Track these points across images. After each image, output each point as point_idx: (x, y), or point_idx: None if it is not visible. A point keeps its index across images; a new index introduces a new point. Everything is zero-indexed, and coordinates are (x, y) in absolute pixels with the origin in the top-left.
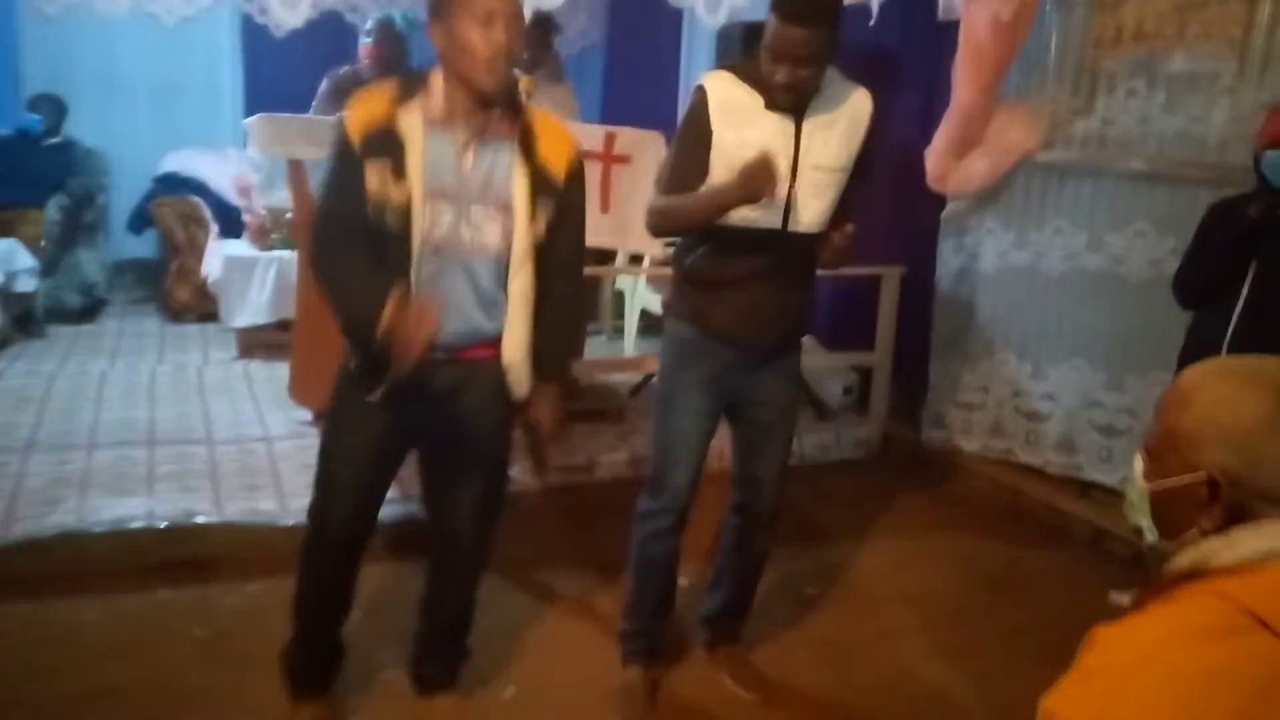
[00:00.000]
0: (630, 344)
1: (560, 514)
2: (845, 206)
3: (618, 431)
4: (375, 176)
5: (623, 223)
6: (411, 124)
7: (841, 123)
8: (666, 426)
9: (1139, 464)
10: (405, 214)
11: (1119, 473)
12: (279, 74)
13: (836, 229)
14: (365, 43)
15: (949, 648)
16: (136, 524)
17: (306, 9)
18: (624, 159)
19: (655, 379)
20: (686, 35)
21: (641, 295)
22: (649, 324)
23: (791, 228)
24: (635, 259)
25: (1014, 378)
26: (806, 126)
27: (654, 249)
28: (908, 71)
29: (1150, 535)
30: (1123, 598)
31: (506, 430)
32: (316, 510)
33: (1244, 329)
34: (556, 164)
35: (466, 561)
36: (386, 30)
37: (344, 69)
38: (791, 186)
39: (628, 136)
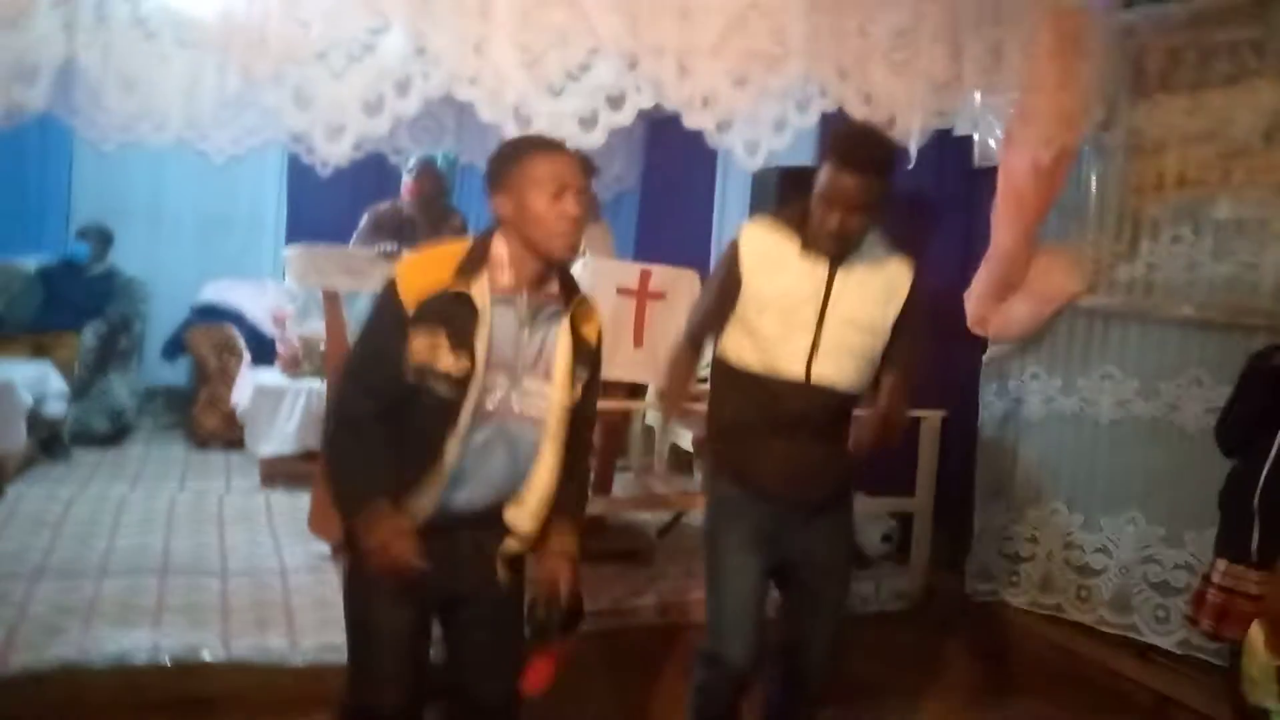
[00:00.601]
0: (660, 481)
1: (588, 662)
2: (889, 367)
3: (647, 575)
4: (424, 345)
5: (656, 357)
6: (482, 297)
7: (877, 283)
8: (718, 591)
9: (1257, 634)
10: (461, 385)
11: (1176, 634)
12: (322, 209)
13: (870, 414)
14: (407, 180)
15: None
16: (139, 659)
17: (349, 148)
18: (659, 295)
19: (702, 542)
20: (721, 179)
21: (671, 431)
22: (679, 460)
23: (814, 380)
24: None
25: (1064, 528)
26: (840, 275)
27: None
28: (945, 215)
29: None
30: None
31: (520, 586)
32: (362, 705)
33: (1274, 480)
34: (592, 332)
35: (490, 710)
36: (428, 168)
37: (385, 204)
38: (816, 336)
39: (663, 274)
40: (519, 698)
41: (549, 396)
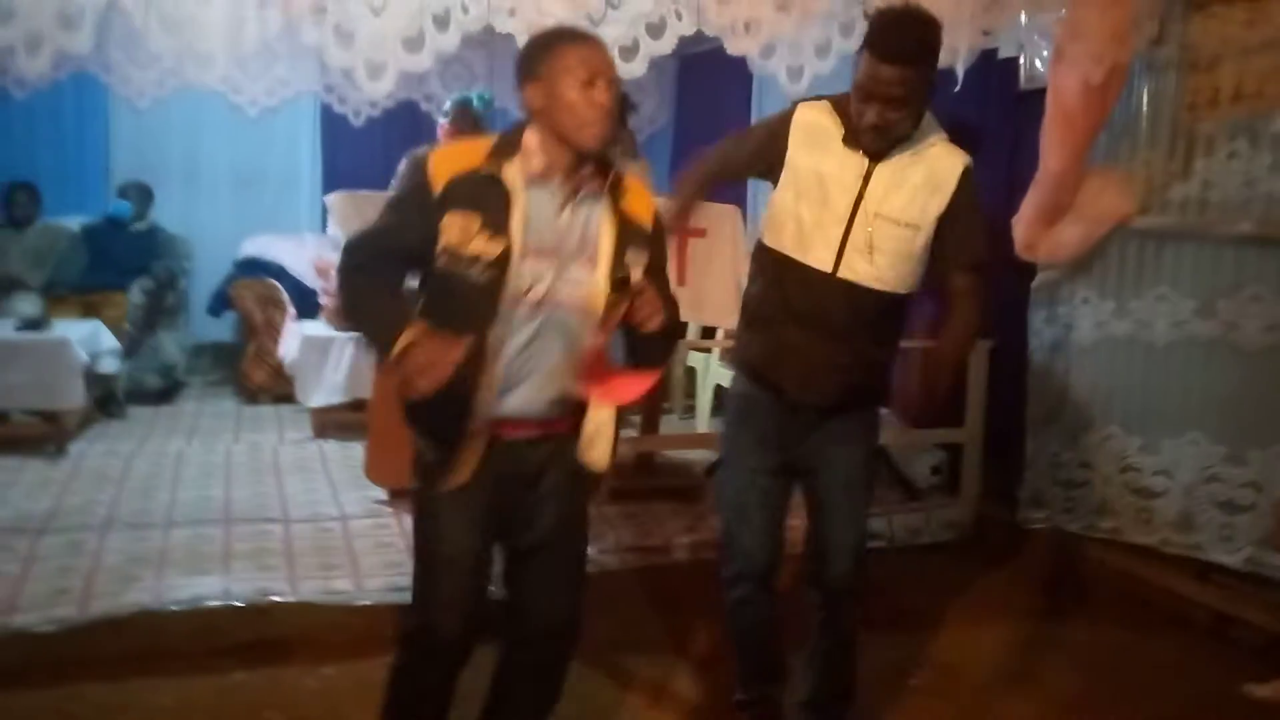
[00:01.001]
0: (703, 422)
1: (637, 596)
2: (949, 268)
3: (695, 512)
4: (456, 228)
5: (699, 296)
6: (515, 180)
7: (919, 176)
8: (730, 488)
9: None
10: (498, 269)
11: (1242, 552)
12: (356, 161)
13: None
14: (442, 123)
15: None
16: (213, 603)
17: (391, 85)
18: (700, 232)
19: (719, 441)
20: (756, 112)
21: (715, 371)
22: (722, 402)
23: (842, 274)
24: (708, 333)
25: (1121, 453)
26: (879, 168)
27: (729, 321)
28: (990, 141)
29: None
30: (1259, 690)
31: (585, 507)
32: (422, 626)
33: None
34: (643, 215)
35: (557, 653)
36: (464, 111)
37: (423, 149)
38: (848, 228)
39: (705, 210)
40: (579, 621)
41: (596, 283)
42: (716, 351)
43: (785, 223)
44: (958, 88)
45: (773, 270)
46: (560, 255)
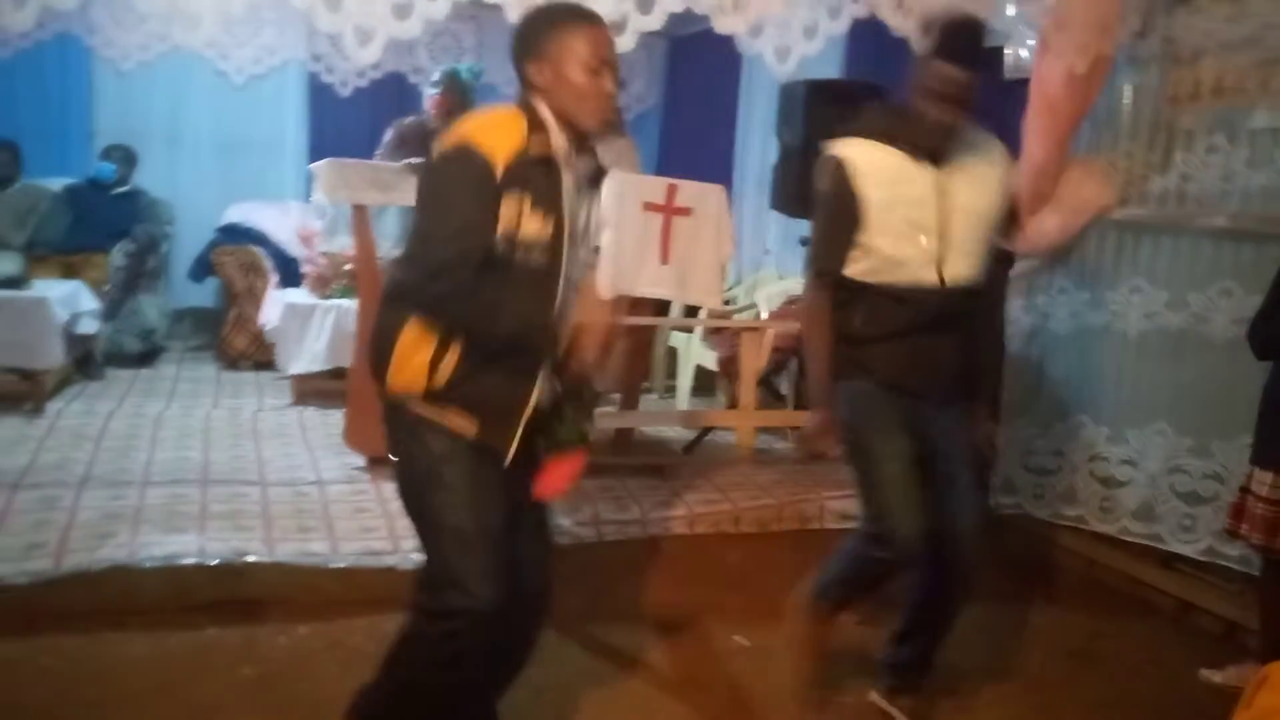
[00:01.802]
0: (683, 401)
1: (613, 568)
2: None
3: (673, 489)
4: (511, 209)
5: (683, 274)
6: (560, 149)
7: (985, 171)
8: (876, 475)
9: None
10: (551, 250)
11: (1202, 543)
12: (343, 131)
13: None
14: (431, 94)
15: None
16: (188, 560)
17: (379, 51)
18: (685, 211)
19: (843, 439)
20: (745, 96)
21: (696, 351)
22: (702, 382)
23: (949, 281)
24: (691, 312)
25: (1090, 442)
26: (947, 172)
27: (713, 301)
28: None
29: None
30: (1215, 675)
31: None
32: (463, 597)
33: None
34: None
35: (539, 599)
36: (453, 82)
37: (410, 119)
38: (941, 246)
39: (689, 189)
40: (551, 589)
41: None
42: (698, 331)
43: (881, 261)
44: None
45: (873, 298)
46: (576, 235)
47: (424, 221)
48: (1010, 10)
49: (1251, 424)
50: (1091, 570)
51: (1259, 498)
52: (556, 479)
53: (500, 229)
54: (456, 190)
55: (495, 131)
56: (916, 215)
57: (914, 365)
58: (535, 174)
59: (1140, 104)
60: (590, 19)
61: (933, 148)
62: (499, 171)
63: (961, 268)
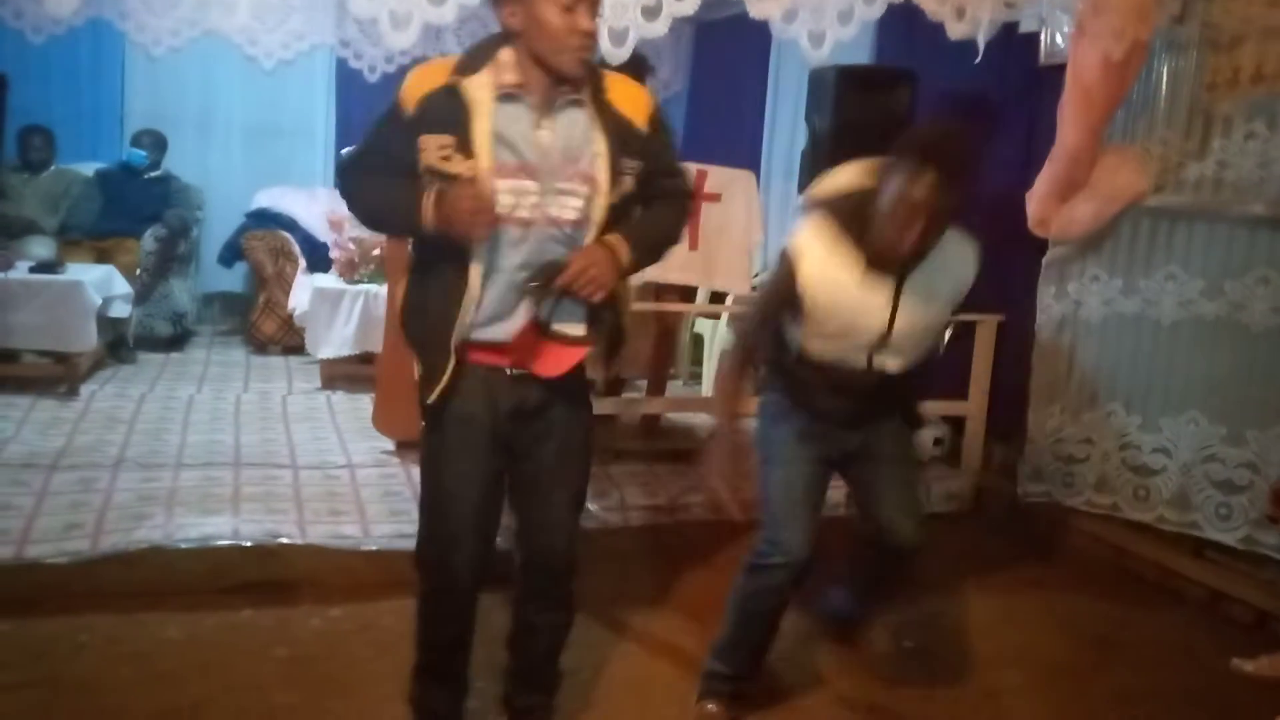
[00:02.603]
0: (709, 387)
1: (641, 553)
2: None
3: (698, 474)
4: (435, 150)
5: (710, 260)
6: (479, 93)
7: (945, 284)
8: (775, 481)
9: None
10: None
11: (1239, 531)
12: (370, 116)
13: None
14: None
15: (1058, 710)
16: (222, 542)
17: (415, 36)
18: (714, 197)
19: (755, 439)
20: (773, 82)
21: (722, 337)
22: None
23: (876, 367)
24: (718, 298)
25: (1122, 430)
26: (907, 289)
27: (740, 287)
28: (1007, 114)
29: None
30: (1247, 665)
31: (591, 438)
32: (435, 560)
33: None
34: (635, 113)
35: (562, 573)
36: None
37: None
38: (883, 338)
39: (718, 175)
40: (574, 550)
41: (586, 195)
42: (725, 317)
43: (815, 337)
44: (978, 60)
45: (801, 359)
46: (542, 172)
47: None
48: None
49: None
50: (1120, 558)
51: None
52: (522, 349)
53: (422, 165)
54: (374, 125)
55: (422, 71)
56: (860, 324)
57: (837, 415)
58: (450, 107)
59: (1177, 90)
60: None
61: (893, 268)
62: (410, 109)
63: (892, 361)
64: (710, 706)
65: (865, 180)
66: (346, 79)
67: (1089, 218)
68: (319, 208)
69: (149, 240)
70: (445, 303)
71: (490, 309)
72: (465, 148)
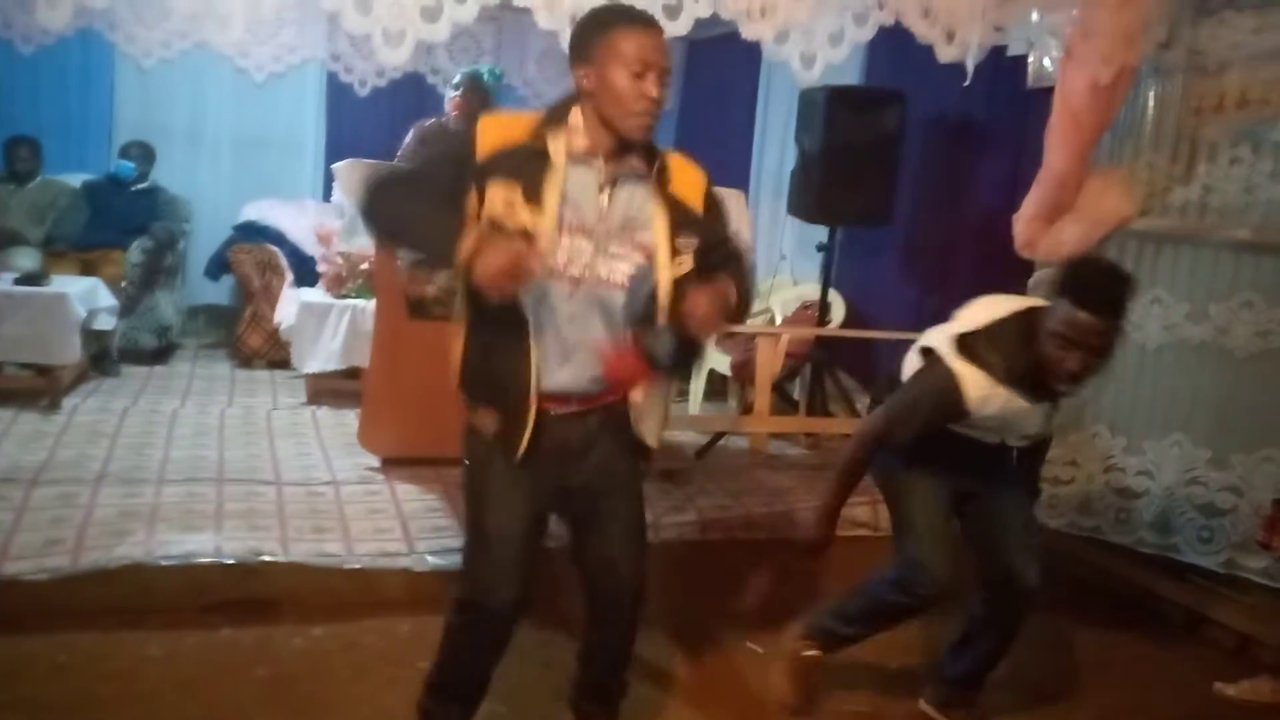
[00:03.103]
0: (696, 406)
1: None
2: None
3: (686, 493)
4: (501, 198)
5: None
6: (558, 151)
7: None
8: (909, 501)
9: None
10: (535, 242)
11: (1220, 555)
12: (361, 131)
13: None
14: (452, 96)
15: None
16: (204, 559)
17: (408, 54)
18: None
19: (881, 484)
20: (762, 102)
21: (710, 356)
22: (715, 387)
23: (1007, 443)
24: None
25: (1105, 452)
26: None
27: None
28: (995, 137)
29: None
30: (1229, 689)
31: (639, 473)
32: (475, 595)
33: None
34: (692, 196)
35: (628, 604)
36: (474, 84)
37: (430, 120)
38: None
39: None
40: (644, 559)
41: (638, 264)
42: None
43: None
44: (967, 83)
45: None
46: (598, 234)
47: None
48: (1035, 18)
49: (1274, 438)
50: (1104, 581)
51: None
52: (618, 367)
53: (485, 213)
54: (432, 153)
55: (499, 122)
56: (1014, 427)
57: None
58: (529, 164)
59: (1163, 115)
60: (640, 20)
61: (1056, 393)
62: (482, 154)
63: (1017, 442)
64: (812, 652)
65: (1012, 317)
66: (337, 93)
67: (1076, 240)
68: (307, 221)
69: (135, 252)
70: (511, 362)
71: (549, 363)
72: (534, 201)
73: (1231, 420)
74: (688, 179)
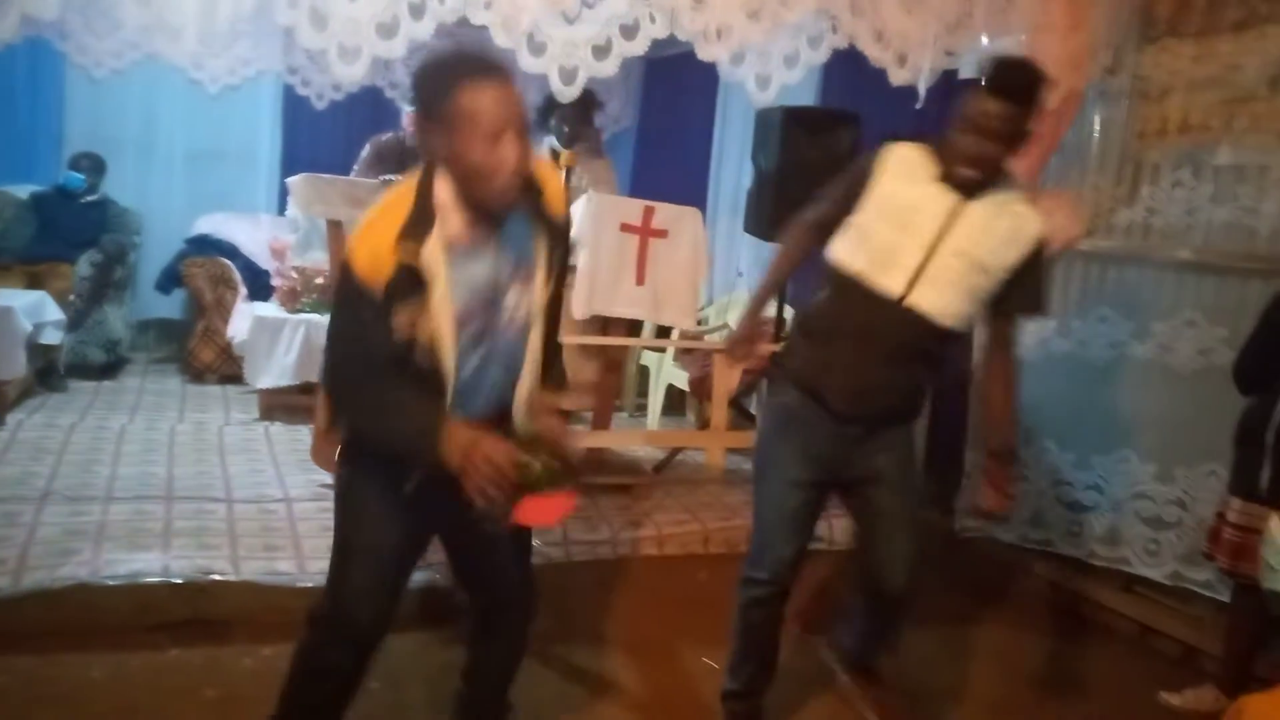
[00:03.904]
0: (654, 421)
1: (582, 589)
2: (999, 319)
3: (643, 509)
4: (405, 321)
5: (657, 295)
6: (432, 259)
7: (1003, 224)
8: (768, 497)
9: (1276, 527)
10: (436, 352)
11: (1166, 567)
12: (317, 144)
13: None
14: (409, 110)
15: None
16: (152, 579)
17: (364, 70)
18: (661, 233)
19: (755, 446)
20: (720, 120)
21: (668, 371)
22: (672, 402)
23: (909, 302)
24: (663, 332)
25: (1055, 467)
26: (968, 210)
27: (686, 322)
28: None
29: None
30: (1173, 698)
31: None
32: (333, 611)
33: None
34: (556, 204)
35: (514, 609)
36: None
37: (387, 135)
38: (925, 259)
39: (666, 212)
40: (531, 571)
41: (531, 294)
42: (671, 351)
43: (861, 243)
44: (919, 105)
45: (838, 286)
46: (496, 292)
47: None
48: (984, 42)
49: (1216, 452)
50: (1053, 593)
51: (1231, 524)
52: (531, 511)
53: (398, 337)
54: (338, 302)
55: (367, 244)
56: (916, 224)
57: (850, 382)
58: (417, 283)
59: (1109, 138)
60: (487, 72)
61: (959, 179)
62: (374, 290)
63: (928, 296)
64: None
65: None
66: (293, 105)
67: None
68: (261, 234)
69: (84, 265)
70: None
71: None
72: (427, 311)
73: (1176, 435)
74: (554, 190)
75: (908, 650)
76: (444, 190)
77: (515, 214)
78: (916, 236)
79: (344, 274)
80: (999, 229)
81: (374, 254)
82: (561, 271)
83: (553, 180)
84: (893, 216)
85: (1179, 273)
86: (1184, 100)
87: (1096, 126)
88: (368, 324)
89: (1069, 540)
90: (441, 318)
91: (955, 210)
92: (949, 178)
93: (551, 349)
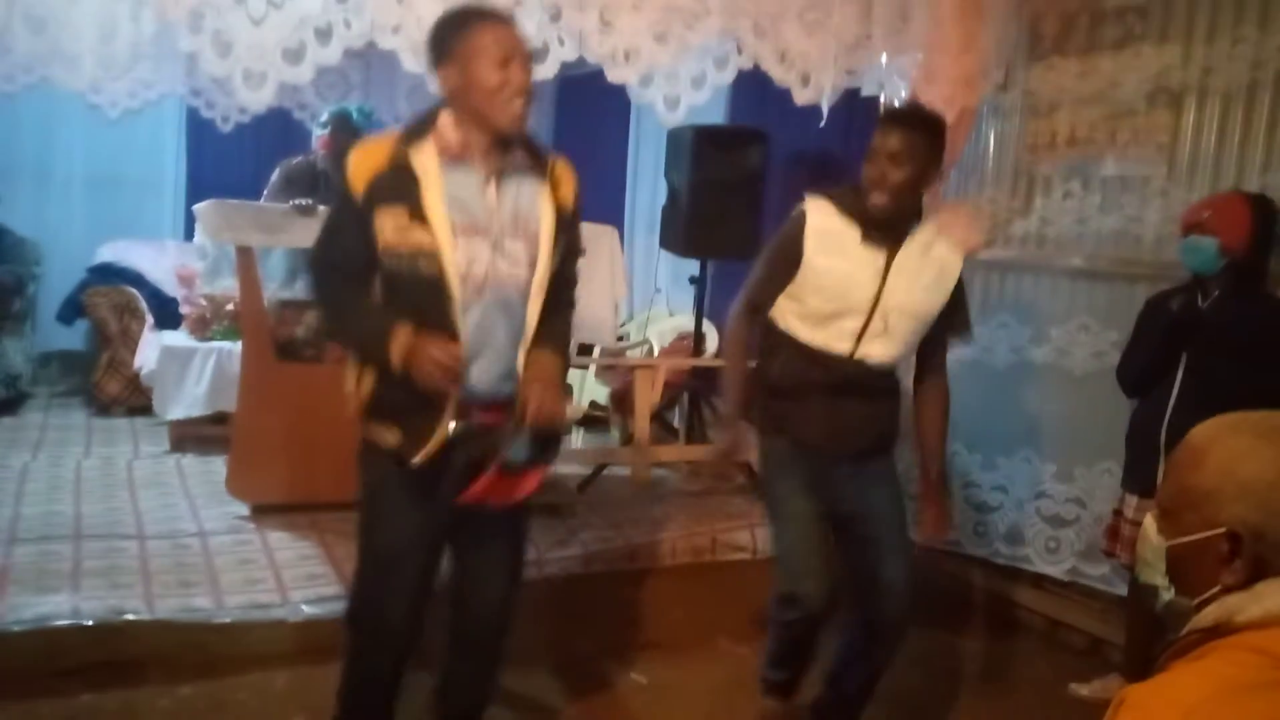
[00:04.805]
0: (577, 438)
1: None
2: (928, 362)
3: (569, 527)
4: (390, 225)
5: (576, 314)
6: (425, 162)
7: (930, 271)
8: (783, 526)
9: (1151, 523)
10: (436, 257)
11: (1065, 563)
12: (224, 168)
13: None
14: (320, 134)
15: None
16: (60, 622)
17: (270, 96)
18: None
19: (762, 488)
20: (634, 139)
21: (590, 388)
22: (595, 418)
23: (859, 357)
24: (585, 350)
25: (964, 469)
26: (895, 264)
27: (606, 340)
28: (852, 173)
29: (1167, 593)
30: (1082, 689)
31: (525, 506)
32: (368, 616)
33: (1179, 415)
34: (569, 198)
35: (492, 635)
36: (342, 123)
37: (297, 158)
38: (867, 320)
39: (582, 230)
40: (514, 602)
41: (532, 257)
42: (592, 369)
43: (805, 317)
44: (823, 123)
45: (791, 350)
46: (492, 232)
47: None
48: (884, 61)
49: (1111, 451)
50: (967, 592)
51: (1128, 520)
52: (481, 486)
53: (380, 245)
54: (329, 214)
55: (364, 152)
56: (852, 293)
57: (826, 426)
58: (401, 183)
59: (1003, 152)
60: (494, 15)
61: (874, 211)
62: (360, 191)
63: (875, 350)
64: (771, 703)
65: None
66: (198, 128)
67: None
68: (168, 261)
69: None
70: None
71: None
72: (420, 219)
73: (1074, 435)
74: (568, 185)
75: (826, 647)
76: (447, 118)
77: (521, 174)
78: (854, 305)
79: (338, 187)
80: (926, 278)
81: (368, 156)
82: (569, 254)
83: (569, 178)
84: (828, 291)
85: (1072, 279)
86: (1071, 115)
87: (991, 141)
88: (347, 228)
89: (975, 540)
90: (436, 220)
91: (884, 269)
92: (869, 233)
93: (558, 325)
